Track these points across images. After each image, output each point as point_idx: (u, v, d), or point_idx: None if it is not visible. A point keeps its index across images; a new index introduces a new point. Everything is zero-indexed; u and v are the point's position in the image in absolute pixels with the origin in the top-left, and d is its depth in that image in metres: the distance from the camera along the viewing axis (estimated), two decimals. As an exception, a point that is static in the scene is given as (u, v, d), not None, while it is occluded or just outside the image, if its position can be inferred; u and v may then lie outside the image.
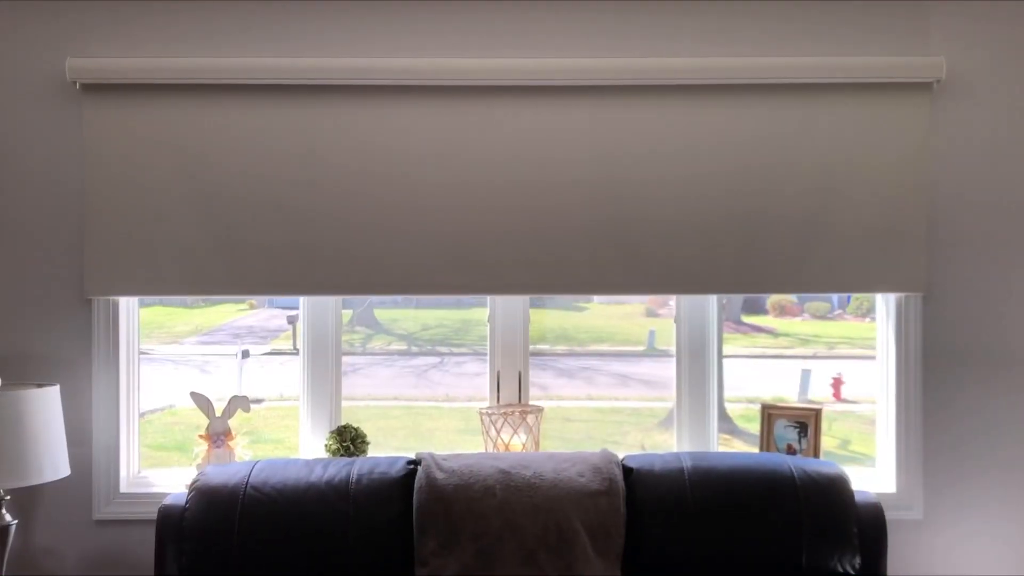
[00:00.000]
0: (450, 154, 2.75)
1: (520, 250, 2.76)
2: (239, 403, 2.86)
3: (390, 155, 2.74)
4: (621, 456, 2.59)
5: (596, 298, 3.38)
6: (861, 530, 2.46)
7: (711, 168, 2.75)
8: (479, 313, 3.06)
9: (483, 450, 2.84)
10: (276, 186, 2.73)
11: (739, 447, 3.29)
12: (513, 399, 2.95)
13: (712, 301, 2.96)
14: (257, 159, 2.73)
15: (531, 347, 2.98)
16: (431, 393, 3.47)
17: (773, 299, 3.67)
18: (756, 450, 2.96)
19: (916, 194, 2.76)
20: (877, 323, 2.94)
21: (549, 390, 3.27)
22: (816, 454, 2.82)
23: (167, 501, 2.52)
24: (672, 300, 3.03)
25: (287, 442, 3.11)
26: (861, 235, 2.75)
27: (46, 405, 2.50)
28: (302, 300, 2.93)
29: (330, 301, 2.93)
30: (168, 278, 2.73)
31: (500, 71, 2.72)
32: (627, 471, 2.52)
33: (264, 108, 2.72)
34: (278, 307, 3.79)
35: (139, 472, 2.89)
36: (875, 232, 2.75)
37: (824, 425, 2.86)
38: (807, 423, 2.85)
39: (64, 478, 2.57)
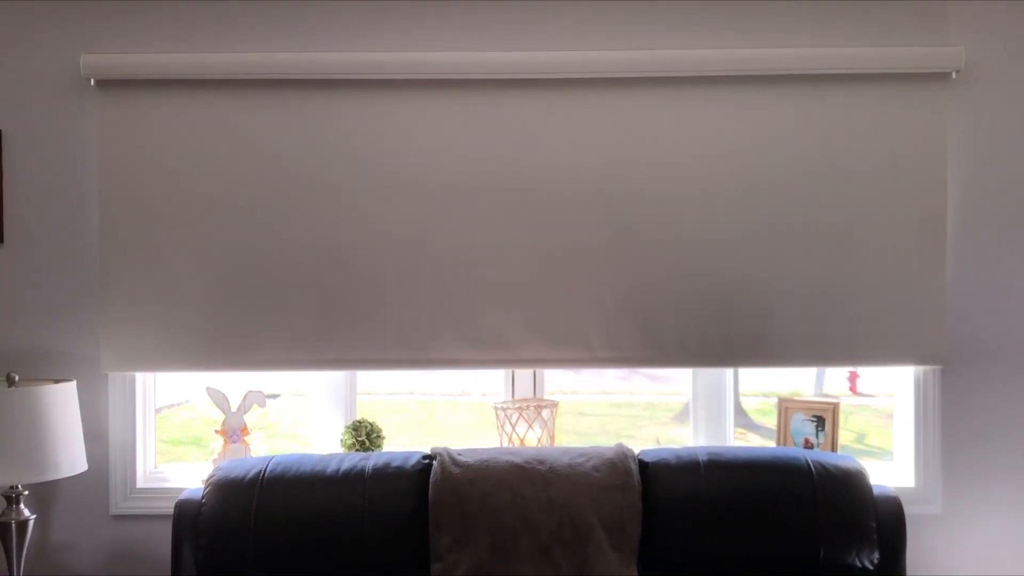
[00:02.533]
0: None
1: (534, 323, 2.74)
2: (255, 398, 2.86)
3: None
4: (636, 451, 2.58)
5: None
6: (880, 525, 2.45)
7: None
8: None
9: (498, 445, 2.84)
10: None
11: (755, 441, 3.28)
12: (528, 393, 2.94)
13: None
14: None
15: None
16: (446, 388, 3.46)
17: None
18: (772, 444, 2.94)
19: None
20: (895, 316, 2.91)
21: (563, 384, 3.26)
22: (834, 448, 2.80)
23: (183, 496, 2.53)
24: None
25: (303, 437, 3.11)
26: (878, 292, 2.72)
27: (63, 400, 2.51)
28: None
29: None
30: (181, 358, 2.73)
31: (514, 65, 2.72)
32: (643, 466, 2.51)
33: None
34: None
35: (155, 467, 2.90)
36: (893, 291, 2.72)
37: (840, 419, 2.84)
38: (824, 417, 2.83)
39: (81, 473, 2.58)
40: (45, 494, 2.75)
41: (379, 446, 2.84)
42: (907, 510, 2.52)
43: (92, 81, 2.71)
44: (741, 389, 3.25)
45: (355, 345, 2.74)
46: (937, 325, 2.73)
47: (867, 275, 2.73)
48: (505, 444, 2.82)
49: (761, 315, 2.73)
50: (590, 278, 2.74)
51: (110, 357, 2.73)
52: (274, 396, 3.13)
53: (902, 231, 2.73)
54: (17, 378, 2.54)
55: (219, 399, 2.84)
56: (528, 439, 2.81)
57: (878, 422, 3.29)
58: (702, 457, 2.52)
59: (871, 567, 2.43)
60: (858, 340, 2.73)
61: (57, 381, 2.58)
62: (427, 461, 2.51)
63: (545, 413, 2.83)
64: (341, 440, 2.84)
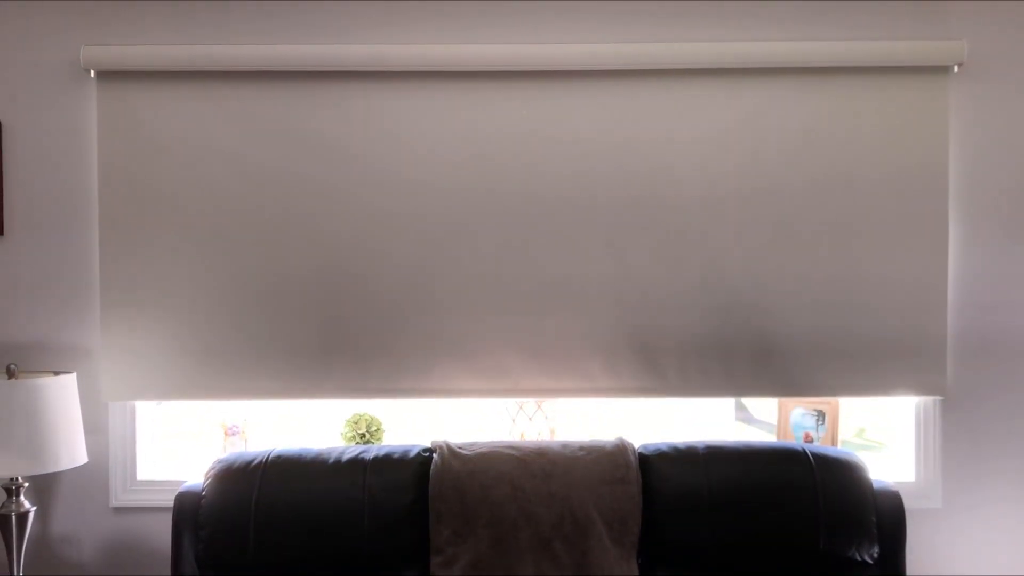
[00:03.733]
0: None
1: (533, 354, 2.72)
2: (254, 391, 2.86)
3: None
4: (636, 444, 2.58)
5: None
6: (879, 519, 2.45)
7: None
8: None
9: (498, 438, 2.83)
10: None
11: (754, 435, 3.27)
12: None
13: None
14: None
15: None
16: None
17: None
18: (772, 438, 2.94)
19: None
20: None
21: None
22: (834, 442, 2.80)
23: (183, 489, 2.53)
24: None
25: (303, 430, 3.11)
26: (880, 317, 2.70)
27: (63, 393, 2.51)
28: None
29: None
30: (181, 386, 2.71)
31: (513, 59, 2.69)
32: (643, 459, 2.51)
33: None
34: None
35: (155, 460, 2.90)
36: (894, 316, 2.70)
37: (840, 413, 2.84)
38: (825, 411, 2.84)
39: (81, 466, 2.59)
40: (45, 486, 2.75)
41: (379, 439, 2.85)
42: (907, 504, 2.52)
43: (92, 73, 2.70)
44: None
45: (355, 374, 2.71)
46: (938, 356, 2.72)
47: (868, 300, 2.70)
48: (506, 438, 2.82)
49: (761, 346, 2.71)
50: (591, 307, 2.72)
51: (110, 386, 2.72)
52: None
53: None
54: (17, 370, 2.54)
55: (219, 392, 2.83)
56: (528, 432, 2.81)
57: (878, 417, 3.29)
58: (702, 450, 2.52)
59: (870, 561, 2.44)
60: (859, 370, 2.71)
61: (57, 373, 2.58)
62: (427, 454, 2.51)
63: (546, 406, 2.83)
64: (341, 433, 2.84)
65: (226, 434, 2.82)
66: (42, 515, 2.75)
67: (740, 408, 3.27)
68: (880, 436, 3.22)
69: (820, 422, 2.84)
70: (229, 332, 2.71)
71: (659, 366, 2.72)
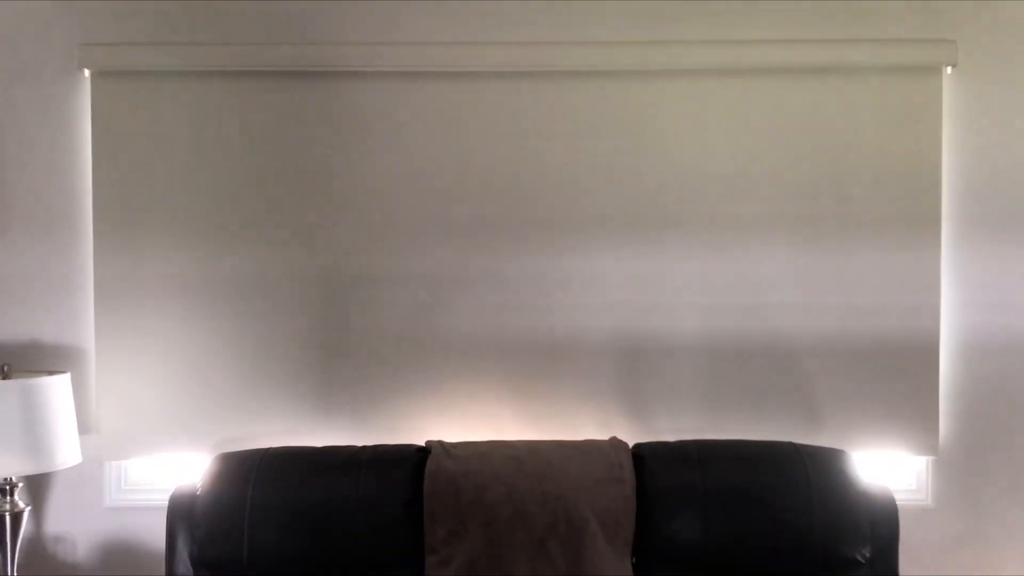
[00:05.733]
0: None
1: (529, 405, 2.74)
2: (249, 391, 2.86)
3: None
4: (631, 444, 2.58)
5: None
6: (872, 517, 2.45)
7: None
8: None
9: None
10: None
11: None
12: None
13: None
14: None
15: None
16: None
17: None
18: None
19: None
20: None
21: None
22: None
23: (178, 488, 2.52)
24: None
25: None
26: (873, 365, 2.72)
27: (57, 392, 2.51)
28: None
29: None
30: (178, 443, 2.74)
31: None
32: (636, 458, 2.52)
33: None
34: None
35: (151, 459, 2.89)
36: (887, 375, 2.72)
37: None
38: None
39: (76, 465, 2.58)
40: (39, 486, 2.75)
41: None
42: (899, 502, 2.53)
43: (87, 72, 2.70)
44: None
45: (350, 429, 2.73)
46: (930, 415, 2.73)
47: (863, 341, 2.73)
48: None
49: (753, 405, 2.73)
50: (586, 364, 2.74)
51: (110, 446, 2.73)
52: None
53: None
54: (10, 369, 2.54)
55: (214, 391, 2.83)
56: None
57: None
58: (695, 448, 2.52)
59: (863, 560, 2.44)
60: (851, 426, 2.73)
61: (51, 373, 2.58)
62: (421, 453, 2.51)
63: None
64: (336, 433, 2.84)
65: (221, 434, 2.81)
66: (36, 515, 2.75)
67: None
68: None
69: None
70: (230, 383, 2.73)
71: (652, 424, 2.74)
